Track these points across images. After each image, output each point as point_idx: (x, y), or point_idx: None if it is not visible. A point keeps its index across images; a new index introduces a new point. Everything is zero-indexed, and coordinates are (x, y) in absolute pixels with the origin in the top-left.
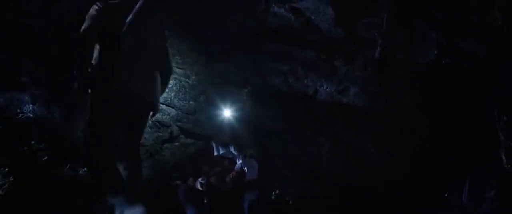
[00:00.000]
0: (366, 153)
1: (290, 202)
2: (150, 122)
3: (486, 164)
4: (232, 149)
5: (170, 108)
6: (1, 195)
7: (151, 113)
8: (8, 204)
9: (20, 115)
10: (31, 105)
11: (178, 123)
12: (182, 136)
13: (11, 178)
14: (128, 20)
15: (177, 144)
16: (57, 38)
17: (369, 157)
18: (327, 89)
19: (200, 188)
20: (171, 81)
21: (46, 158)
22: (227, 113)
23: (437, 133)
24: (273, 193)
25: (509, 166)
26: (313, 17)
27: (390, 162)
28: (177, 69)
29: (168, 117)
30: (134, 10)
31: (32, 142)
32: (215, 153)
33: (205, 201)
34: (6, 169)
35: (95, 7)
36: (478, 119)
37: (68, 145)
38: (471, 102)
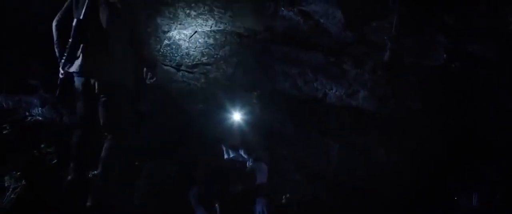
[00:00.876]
0: (374, 155)
1: (300, 205)
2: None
3: (494, 166)
4: (242, 152)
5: (179, 110)
6: (13, 199)
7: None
8: (19, 207)
9: (29, 117)
10: (39, 108)
11: (187, 126)
12: (191, 139)
13: (23, 182)
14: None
15: (186, 146)
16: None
17: (377, 160)
18: (337, 92)
19: (210, 191)
20: (180, 85)
21: (55, 161)
22: (236, 116)
23: (446, 136)
24: (283, 196)
25: None
26: (322, 21)
27: (398, 165)
28: (186, 73)
29: (177, 119)
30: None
31: (42, 145)
32: (225, 156)
33: (216, 204)
34: (18, 173)
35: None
36: (486, 122)
37: None
38: (480, 105)
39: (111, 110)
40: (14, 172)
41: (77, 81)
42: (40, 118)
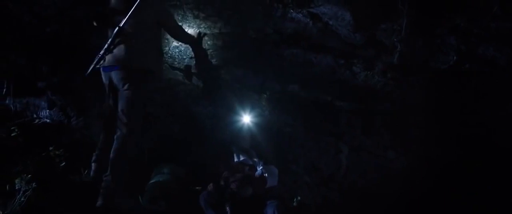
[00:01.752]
0: (384, 158)
1: (311, 208)
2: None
3: (505, 170)
4: (252, 155)
5: (188, 113)
6: (24, 202)
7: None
8: (30, 210)
9: (37, 120)
10: (47, 110)
11: (197, 129)
12: (201, 142)
13: (34, 185)
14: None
15: (196, 149)
16: (73, 42)
17: (388, 162)
18: (346, 95)
19: (220, 194)
20: (189, 87)
21: (64, 163)
22: (246, 118)
23: (456, 138)
24: (294, 199)
25: None
26: (330, 22)
27: (409, 167)
28: (195, 75)
29: (186, 122)
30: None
31: (50, 148)
32: (235, 159)
33: (226, 207)
34: (29, 176)
35: None
36: (497, 125)
37: (86, 150)
38: (490, 108)
39: (130, 100)
40: (25, 175)
41: (104, 77)
42: (48, 120)
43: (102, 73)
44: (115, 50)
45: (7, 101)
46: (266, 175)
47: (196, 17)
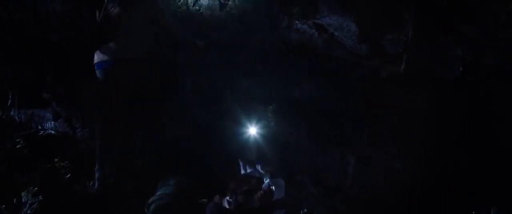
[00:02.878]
0: (391, 167)
1: None
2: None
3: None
4: (259, 167)
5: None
6: None
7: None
8: None
9: (42, 131)
10: (52, 122)
11: (202, 140)
12: (206, 153)
13: (40, 197)
14: None
15: (201, 161)
16: (78, 52)
17: (395, 171)
18: (353, 104)
19: (227, 207)
20: (195, 96)
21: (69, 175)
22: (252, 130)
23: (464, 147)
24: (301, 211)
25: None
26: (336, 33)
27: (416, 176)
28: (201, 86)
29: (191, 133)
30: None
31: (55, 160)
32: (242, 171)
33: None
34: (36, 188)
35: None
36: (505, 134)
37: (91, 161)
38: (498, 117)
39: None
40: (32, 187)
41: (98, 74)
42: (53, 132)
43: (97, 71)
44: (103, 45)
45: (12, 113)
46: (273, 187)
47: (202, 28)
